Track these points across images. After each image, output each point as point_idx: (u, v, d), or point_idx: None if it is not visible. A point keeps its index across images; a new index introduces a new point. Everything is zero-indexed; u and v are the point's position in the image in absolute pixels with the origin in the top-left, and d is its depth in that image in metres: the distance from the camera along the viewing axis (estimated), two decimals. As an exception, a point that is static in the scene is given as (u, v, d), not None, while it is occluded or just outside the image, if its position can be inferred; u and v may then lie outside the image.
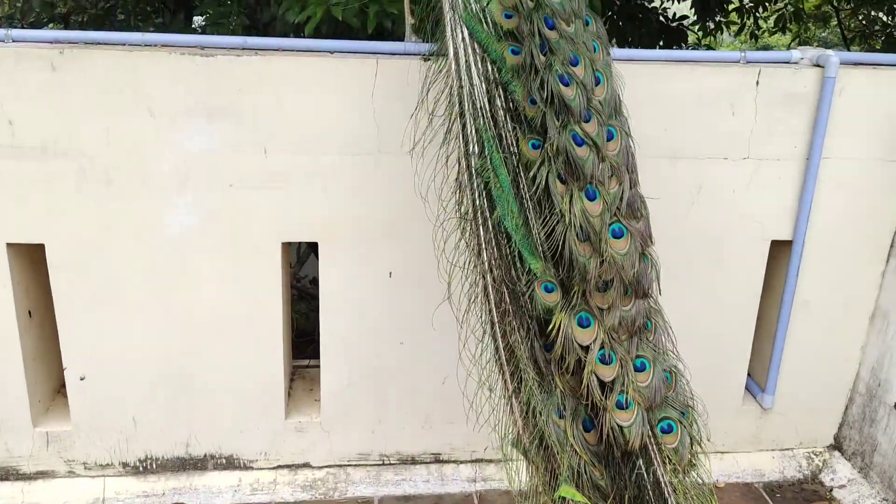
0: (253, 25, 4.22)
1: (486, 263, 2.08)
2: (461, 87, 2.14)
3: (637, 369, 2.02)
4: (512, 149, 2.08)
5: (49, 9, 4.41)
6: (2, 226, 2.75)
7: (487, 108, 2.10)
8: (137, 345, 2.97)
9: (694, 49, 5.94)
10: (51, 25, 4.83)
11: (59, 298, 2.88)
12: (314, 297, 6.35)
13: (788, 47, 6.92)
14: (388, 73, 2.77)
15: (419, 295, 3.01)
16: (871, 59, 3.11)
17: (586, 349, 1.99)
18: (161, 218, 2.81)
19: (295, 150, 2.81)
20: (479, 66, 2.12)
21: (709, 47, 6.24)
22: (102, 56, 2.62)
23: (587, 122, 2.02)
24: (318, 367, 3.21)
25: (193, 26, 4.85)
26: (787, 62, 3.01)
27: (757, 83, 2.95)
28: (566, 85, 2.02)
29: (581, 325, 2.00)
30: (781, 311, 3.24)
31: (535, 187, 2.03)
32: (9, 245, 2.78)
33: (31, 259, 2.91)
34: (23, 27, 4.58)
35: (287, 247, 3.06)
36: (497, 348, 2.11)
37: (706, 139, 2.99)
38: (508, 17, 2.12)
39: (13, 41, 2.62)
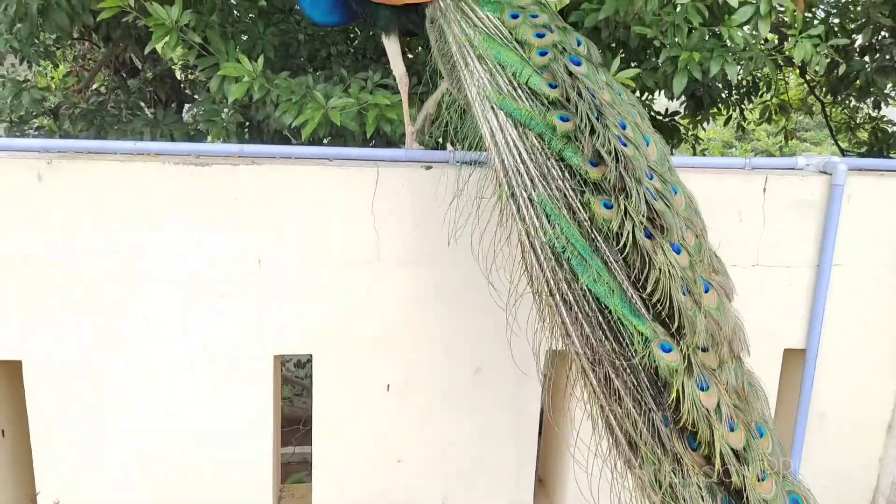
0: (247, 120, 4.18)
1: (578, 342, 1.94)
2: (505, 166, 2.11)
3: (759, 435, 1.89)
4: (580, 214, 2.01)
5: (38, 105, 4.34)
6: (-24, 342, 2.59)
7: (543, 181, 2.06)
8: (119, 468, 2.76)
9: (688, 148, 6.00)
10: (40, 119, 4.77)
11: (34, 417, 2.69)
12: (296, 382, 6.14)
13: (786, 141, 7.02)
14: (389, 180, 2.70)
15: (418, 409, 2.85)
16: (878, 164, 3.09)
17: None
18: (148, 332, 2.66)
19: (290, 260, 2.70)
20: (523, 142, 2.12)
21: (697, 138, 6.31)
22: (93, 166, 2.52)
23: (651, 179, 2.02)
24: (309, 480, 3.00)
25: (185, 119, 4.81)
26: (793, 168, 2.97)
27: (764, 190, 2.90)
28: (624, 145, 2.03)
29: (701, 388, 1.85)
30: (797, 424, 3.11)
31: (621, 245, 1.93)
32: (-17, 362, 2.61)
33: (7, 375, 2.73)
34: (11, 122, 4.51)
35: (279, 359, 2.91)
36: (613, 432, 1.92)
37: (714, 246, 2.92)
38: (553, 86, 2.17)
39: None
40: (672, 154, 5.31)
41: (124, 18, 3.53)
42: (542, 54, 2.23)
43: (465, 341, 2.83)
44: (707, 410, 1.83)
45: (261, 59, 3.16)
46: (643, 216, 1.94)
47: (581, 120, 2.08)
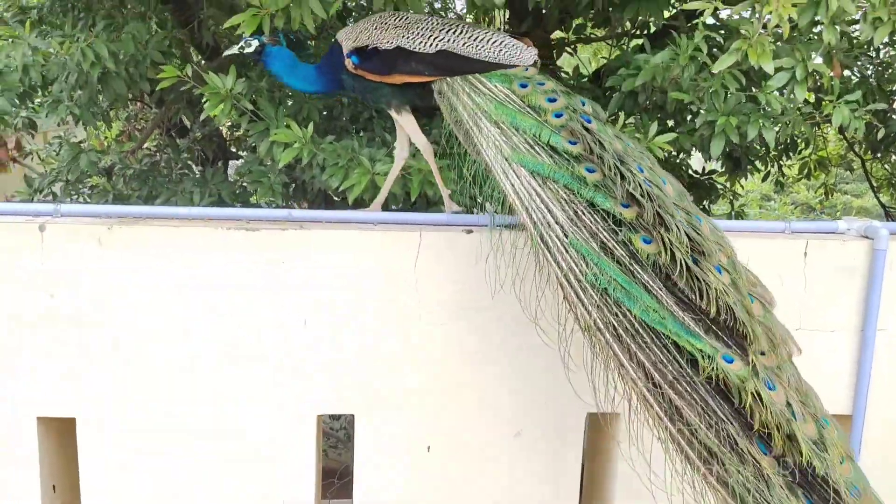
0: (292, 181, 4.32)
1: (633, 370, 2.05)
2: (533, 219, 2.28)
3: (825, 425, 2.05)
4: (617, 251, 2.17)
5: (94, 167, 4.55)
6: (32, 399, 2.68)
7: (574, 226, 2.23)
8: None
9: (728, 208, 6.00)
10: (94, 179, 4.98)
11: (85, 474, 2.76)
12: (332, 435, 6.15)
13: (827, 196, 6.96)
14: (431, 243, 2.77)
15: (457, 470, 2.86)
16: (921, 228, 3.07)
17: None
18: (195, 393, 2.73)
19: (334, 320, 2.77)
20: (547, 193, 2.30)
21: (735, 194, 6.30)
22: (149, 231, 2.64)
23: (675, 216, 2.20)
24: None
25: (230, 176, 4.98)
26: (834, 232, 2.97)
27: (805, 254, 2.90)
28: (650, 187, 2.23)
29: (769, 388, 1.99)
30: (845, 491, 3.03)
31: (678, 274, 2.09)
32: (39, 419, 2.70)
33: (61, 431, 2.82)
34: (67, 182, 4.72)
35: (321, 419, 2.95)
36: (684, 451, 2.00)
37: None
38: (573, 143, 2.37)
39: (62, 215, 2.66)
40: (710, 213, 5.34)
41: (182, 88, 3.73)
42: (558, 116, 2.44)
43: (506, 404, 2.85)
44: (780, 408, 1.95)
45: (310, 127, 3.29)
46: (686, 246, 2.10)
47: (609, 169, 2.27)
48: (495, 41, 2.66)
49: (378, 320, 2.78)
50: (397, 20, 2.78)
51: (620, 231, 2.19)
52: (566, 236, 2.22)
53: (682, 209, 2.25)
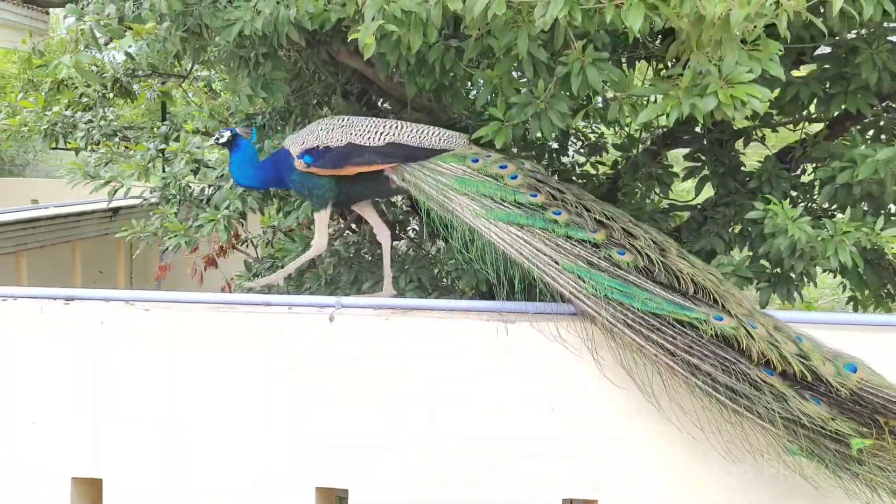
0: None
1: (651, 348, 2.52)
2: (524, 255, 2.76)
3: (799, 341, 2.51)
4: (601, 264, 2.68)
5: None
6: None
7: (559, 254, 2.73)
8: None
9: None
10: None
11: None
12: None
13: None
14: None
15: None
16: None
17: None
18: (229, 461, 2.94)
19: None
20: (530, 236, 2.80)
21: None
22: (418, 321, 2.92)
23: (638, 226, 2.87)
24: None
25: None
26: None
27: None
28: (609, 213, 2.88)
29: (753, 327, 2.52)
30: None
31: (657, 269, 2.63)
32: None
33: (89, 492, 3.02)
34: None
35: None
36: (712, 396, 2.46)
37: None
38: (535, 195, 2.92)
39: (343, 307, 3.02)
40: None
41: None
42: (514, 178, 3.00)
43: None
44: (766, 338, 2.42)
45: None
46: (654, 247, 2.69)
47: (573, 207, 2.85)
48: (434, 132, 3.24)
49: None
50: (341, 122, 3.29)
51: (600, 250, 2.70)
52: (557, 263, 2.70)
53: (630, 221, 2.85)
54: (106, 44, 4.47)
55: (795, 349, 2.42)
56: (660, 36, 3.80)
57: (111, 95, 5.00)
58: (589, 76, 2.92)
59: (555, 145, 5.29)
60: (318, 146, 3.26)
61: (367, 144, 3.21)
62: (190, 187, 4.45)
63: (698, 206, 4.98)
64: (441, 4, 2.78)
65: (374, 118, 3.54)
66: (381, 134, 3.22)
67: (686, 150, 5.34)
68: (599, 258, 2.69)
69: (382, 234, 3.54)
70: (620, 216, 2.85)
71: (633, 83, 3.12)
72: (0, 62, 10.41)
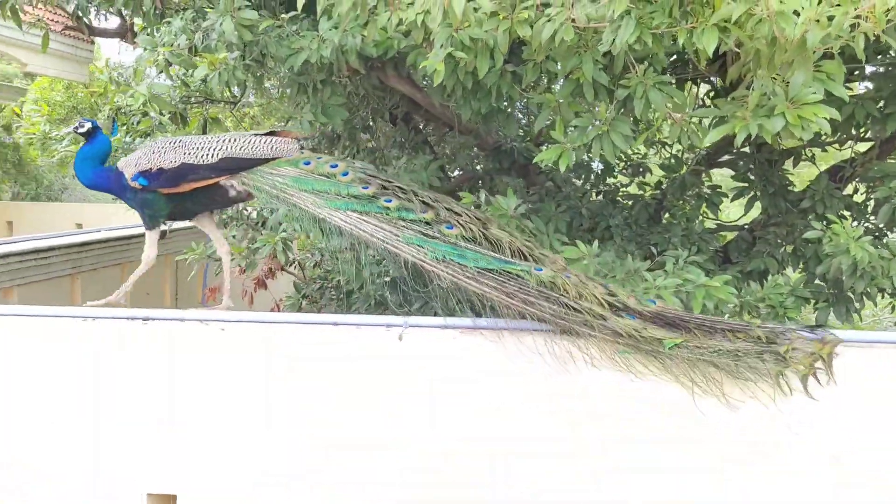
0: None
1: (489, 292, 2.98)
2: (368, 233, 3.15)
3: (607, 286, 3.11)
4: (439, 237, 3.12)
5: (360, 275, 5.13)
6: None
7: (402, 229, 3.14)
8: None
9: None
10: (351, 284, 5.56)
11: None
12: None
13: None
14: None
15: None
16: None
17: None
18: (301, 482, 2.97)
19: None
20: (369, 218, 3.16)
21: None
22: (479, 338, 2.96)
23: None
24: None
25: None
26: None
27: None
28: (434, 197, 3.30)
29: (568, 279, 3.03)
30: None
31: (480, 238, 3.11)
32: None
33: None
34: (336, 289, 5.32)
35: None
36: (550, 322, 2.94)
37: None
38: (366, 188, 3.24)
39: (410, 326, 3.07)
40: None
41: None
42: (345, 175, 3.29)
43: None
44: (579, 283, 2.96)
45: (595, 244, 3.62)
46: (477, 223, 3.16)
47: (403, 193, 3.22)
48: (265, 142, 3.38)
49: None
50: (174, 143, 3.39)
51: (432, 227, 3.13)
52: (398, 236, 3.11)
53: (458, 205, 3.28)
54: (161, 72, 4.62)
55: (604, 290, 2.98)
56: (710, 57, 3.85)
57: (166, 121, 5.15)
58: (652, 99, 2.98)
59: (600, 167, 5.35)
60: (151, 168, 3.35)
61: (201, 163, 3.32)
62: (247, 210, 4.56)
63: (745, 227, 5.00)
64: (508, 31, 2.85)
65: (205, 136, 3.72)
66: (214, 150, 3.33)
67: (725, 170, 5.38)
68: (434, 233, 3.13)
69: (222, 249, 3.64)
70: (443, 199, 3.31)
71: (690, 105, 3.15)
72: (46, 91, 10.72)
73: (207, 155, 3.34)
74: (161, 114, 4.03)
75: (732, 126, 2.66)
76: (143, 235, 7.02)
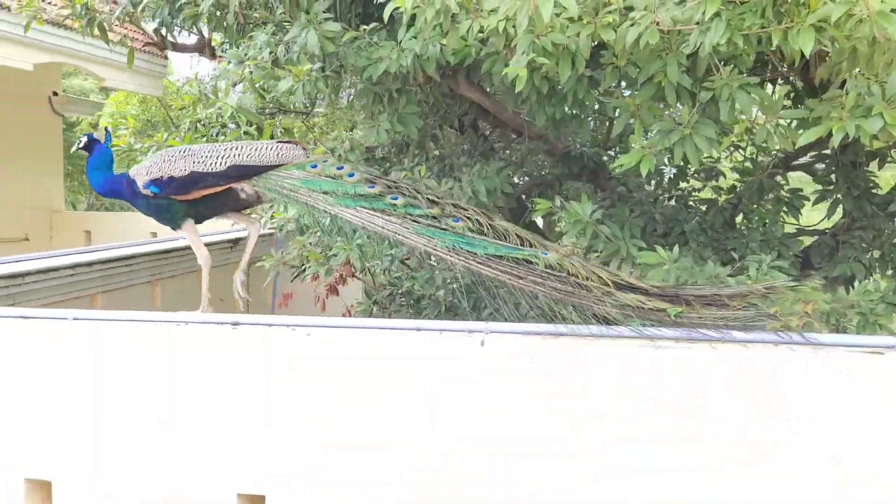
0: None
1: (504, 276, 3.15)
2: (384, 228, 3.30)
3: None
4: (448, 230, 3.25)
5: (430, 285, 5.17)
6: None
7: (410, 223, 3.28)
8: None
9: None
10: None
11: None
12: None
13: None
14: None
15: None
16: None
17: None
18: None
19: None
20: (379, 214, 3.32)
21: None
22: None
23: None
24: None
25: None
26: None
27: None
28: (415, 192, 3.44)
29: (573, 264, 3.16)
30: None
31: (486, 229, 3.27)
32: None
33: None
34: (399, 295, 5.37)
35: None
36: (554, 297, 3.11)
37: None
38: (372, 186, 3.39)
39: (490, 332, 3.08)
40: None
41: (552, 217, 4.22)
42: (351, 175, 3.41)
43: None
44: (581, 266, 3.11)
45: (676, 249, 3.57)
46: (483, 214, 3.31)
47: (409, 191, 3.35)
48: (272, 148, 3.49)
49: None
50: (183, 152, 3.48)
51: (439, 221, 3.27)
52: (408, 229, 3.25)
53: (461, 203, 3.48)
54: (235, 85, 4.76)
55: (608, 274, 3.14)
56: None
57: (243, 133, 5.29)
58: (738, 100, 2.92)
59: (672, 171, 5.26)
60: (162, 177, 3.44)
61: (210, 171, 3.42)
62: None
63: (827, 231, 4.85)
64: (591, 36, 2.85)
65: (214, 144, 3.76)
66: (222, 158, 3.43)
67: (799, 173, 5.23)
68: (442, 225, 3.27)
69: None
70: (446, 197, 3.54)
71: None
72: (122, 104, 11.17)
73: (216, 162, 3.44)
74: (249, 124, 4.15)
75: (827, 127, 2.60)
76: (218, 244, 7.22)
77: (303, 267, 4.56)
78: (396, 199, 3.35)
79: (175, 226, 3.62)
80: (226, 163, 3.44)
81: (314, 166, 3.49)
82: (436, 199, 3.39)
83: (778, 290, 2.95)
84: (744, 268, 3.69)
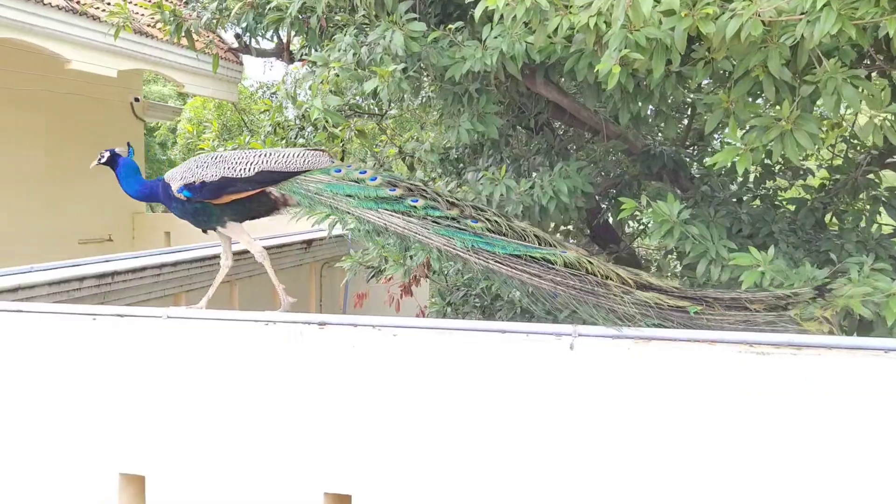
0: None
1: (519, 273, 3.25)
2: (405, 228, 3.44)
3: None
4: (466, 230, 3.36)
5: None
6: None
7: (430, 225, 3.40)
8: None
9: None
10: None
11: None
12: None
13: None
14: None
15: None
16: None
17: None
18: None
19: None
20: (399, 216, 3.44)
21: None
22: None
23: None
24: None
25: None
26: None
27: None
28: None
29: (589, 262, 3.26)
30: None
31: (505, 228, 3.37)
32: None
33: None
34: (473, 297, 5.34)
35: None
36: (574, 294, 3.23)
37: None
38: (393, 189, 3.49)
39: (579, 335, 3.01)
40: None
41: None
42: (374, 179, 3.54)
43: None
44: (598, 264, 3.20)
45: (771, 250, 3.42)
46: (501, 216, 3.40)
47: (429, 194, 3.48)
48: (299, 154, 3.60)
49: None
50: (215, 158, 3.62)
51: (458, 222, 3.36)
52: (427, 230, 3.38)
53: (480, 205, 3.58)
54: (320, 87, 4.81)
55: (627, 273, 3.19)
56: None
57: (317, 135, 5.35)
58: (844, 94, 2.78)
59: (757, 170, 5.07)
60: (194, 182, 3.57)
61: (240, 176, 3.54)
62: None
63: (928, 231, 4.58)
64: (687, 29, 2.75)
65: (243, 150, 3.90)
66: (251, 164, 3.55)
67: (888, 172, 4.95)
68: (461, 226, 3.37)
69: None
70: (464, 200, 3.63)
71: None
72: (199, 110, 11.51)
73: (245, 169, 3.56)
74: (332, 126, 4.20)
75: (949, 121, 2.43)
76: (292, 245, 7.33)
77: (381, 267, 4.57)
78: (416, 201, 3.46)
79: (210, 227, 3.77)
80: (255, 169, 3.58)
81: (338, 171, 3.61)
82: (455, 202, 3.50)
83: (801, 297, 3.05)
84: (843, 270, 3.50)
